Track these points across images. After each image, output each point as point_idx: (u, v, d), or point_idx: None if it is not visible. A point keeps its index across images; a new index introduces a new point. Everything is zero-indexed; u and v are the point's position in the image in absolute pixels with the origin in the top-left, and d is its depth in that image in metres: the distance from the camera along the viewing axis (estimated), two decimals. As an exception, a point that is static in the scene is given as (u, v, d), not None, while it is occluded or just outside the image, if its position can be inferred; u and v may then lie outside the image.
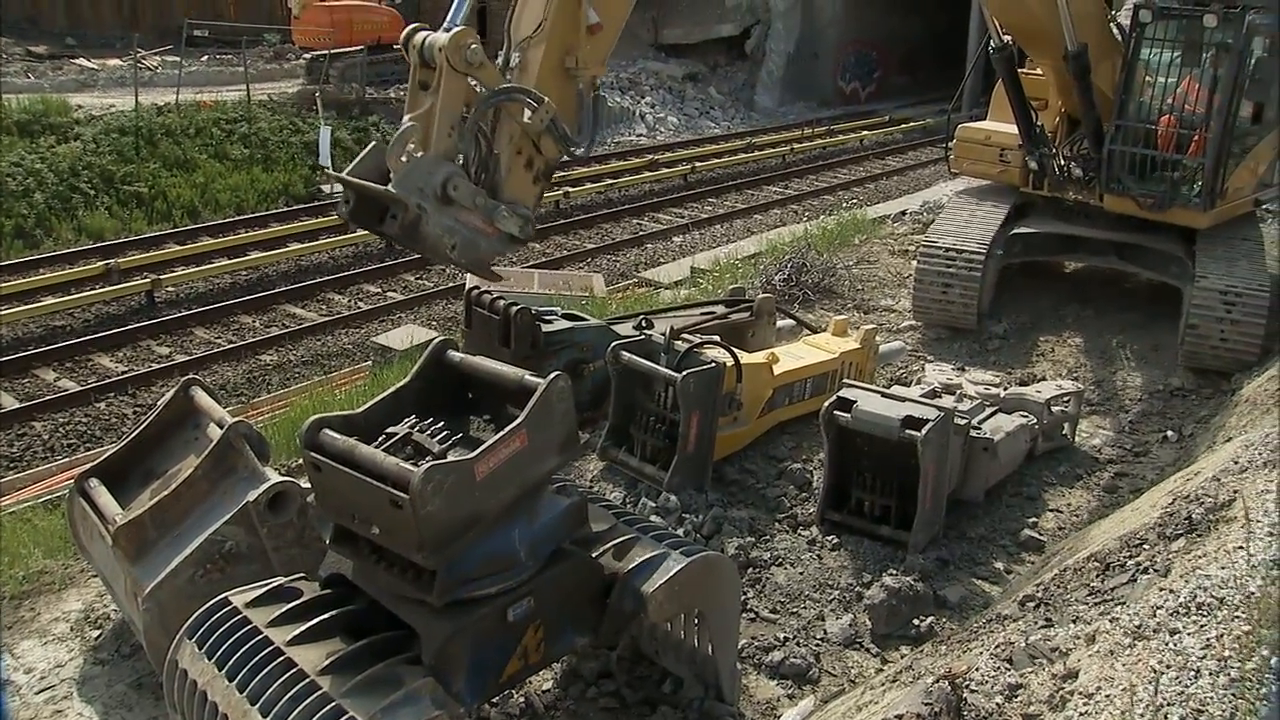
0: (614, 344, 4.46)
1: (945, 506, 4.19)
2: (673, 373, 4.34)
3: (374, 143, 3.73)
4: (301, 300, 10.07)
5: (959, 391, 4.85)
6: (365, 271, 10.98)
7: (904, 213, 11.74)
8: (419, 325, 9.11)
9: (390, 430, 2.70)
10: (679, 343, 4.59)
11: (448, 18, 3.70)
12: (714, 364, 4.37)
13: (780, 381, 4.99)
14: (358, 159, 3.66)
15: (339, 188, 3.74)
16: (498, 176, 3.76)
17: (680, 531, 4.06)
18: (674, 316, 5.68)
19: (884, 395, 4.21)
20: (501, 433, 2.59)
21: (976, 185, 7.50)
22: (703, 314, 5.76)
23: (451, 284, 10.82)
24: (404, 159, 3.41)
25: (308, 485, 2.72)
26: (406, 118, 3.57)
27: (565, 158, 3.85)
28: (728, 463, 4.78)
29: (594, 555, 2.97)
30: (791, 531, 4.34)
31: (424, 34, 3.70)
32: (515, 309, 4.86)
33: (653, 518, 4.12)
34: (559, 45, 3.79)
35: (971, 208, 7.17)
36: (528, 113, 3.64)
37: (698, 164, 16.18)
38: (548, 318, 5.08)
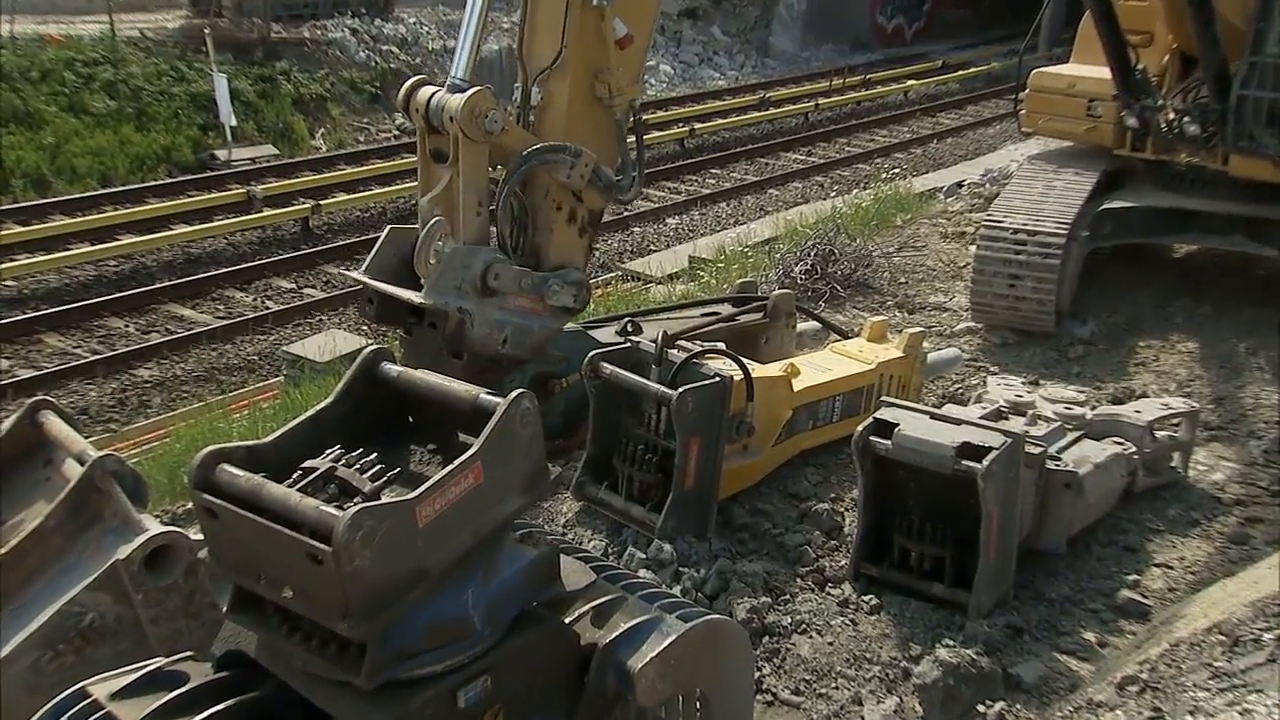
0: (592, 354, 4.47)
1: (1016, 559, 4.20)
2: (666, 389, 4.36)
3: (389, 228, 3.98)
4: (191, 299, 10.05)
5: (1032, 412, 4.87)
6: (275, 262, 10.99)
7: (960, 184, 11.87)
8: (344, 331, 9.16)
9: (308, 464, 2.69)
10: (674, 352, 4.61)
11: (453, 68, 3.87)
12: (718, 378, 4.40)
13: (802, 400, 5.02)
14: (374, 252, 3.91)
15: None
16: (539, 239, 4.08)
17: (677, 590, 4.09)
18: (667, 319, 5.72)
19: (934, 417, 4.24)
20: (451, 466, 2.59)
21: (1056, 147, 7.49)
22: (704, 315, 5.80)
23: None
24: (433, 260, 3.64)
25: (199, 536, 2.72)
26: (423, 200, 3.82)
27: (614, 204, 4.16)
28: (736, 502, 4.79)
29: (568, 621, 2.98)
30: (818, 590, 4.35)
31: (428, 92, 3.92)
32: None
33: (642, 572, 4.16)
34: (585, 71, 4.00)
35: (1049, 176, 7.13)
36: (565, 170, 3.92)
37: (697, 125, 16.32)
38: None
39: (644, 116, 4.35)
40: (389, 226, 3.94)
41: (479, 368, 4.76)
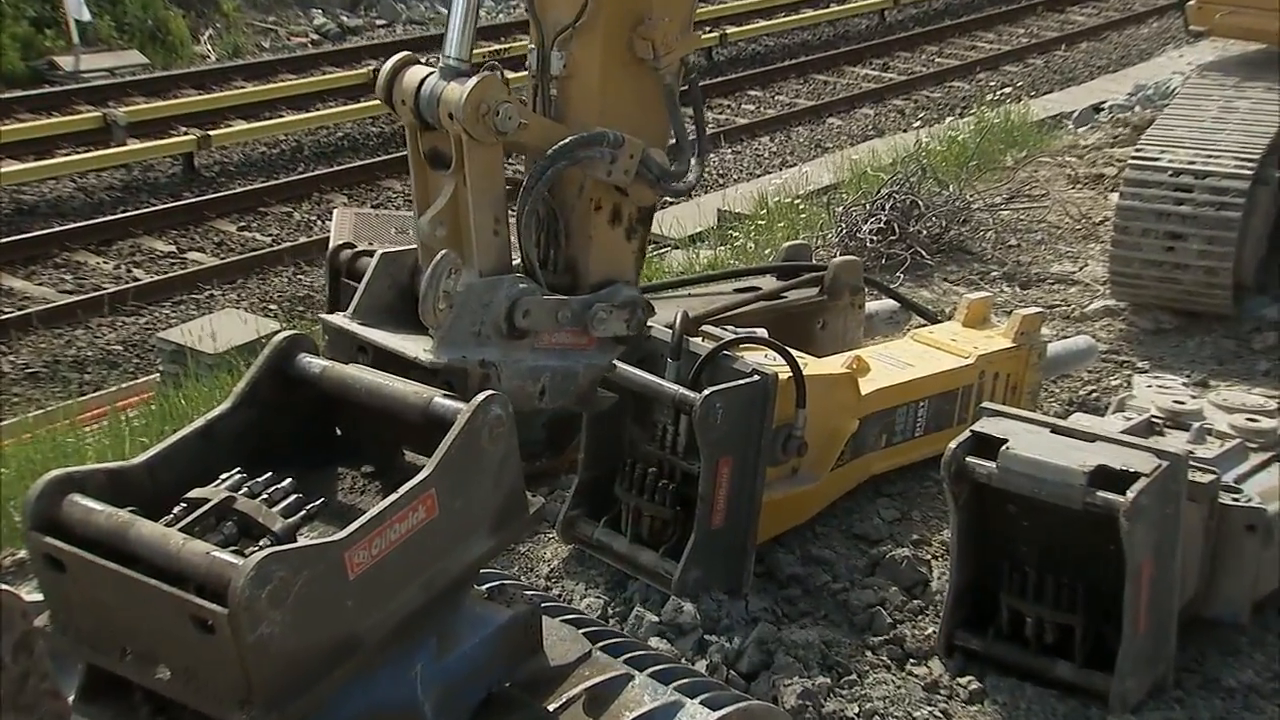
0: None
1: (1177, 630, 4.16)
2: (687, 391, 4.36)
3: (379, 251, 4.06)
4: (24, 265, 10.07)
5: (1198, 425, 4.82)
6: (145, 215, 11.05)
7: (1099, 107, 11.86)
8: (245, 310, 9.19)
9: (196, 494, 2.71)
10: (697, 340, 4.61)
11: (446, 43, 3.93)
12: (757, 376, 4.40)
13: (873, 406, 5.02)
14: (362, 286, 4.01)
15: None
16: (575, 250, 4.16)
17: (701, 666, 4.08)
18: (689, 296, 5.74)
19: (1057, 430, 4.22)
20: (393, 495, 2.61)
21: (1238, 53, 7.45)
22: (738, 291, 5.82)
23: (305, 236, 10.91)
24: (442, 305, 3.70)
25: (36, 596, 2.72)
26: (422, 220, 3.89)
27: (668, 196, 4.25)
28: (782, 546, 4.80)
29: (552, 708, 2.97)
30: (895, 668, 4.35)
31: (418, 76, 3.91)
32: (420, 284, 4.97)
33: (654, 641, 4.14)
34: (620, 24, 4.03)
35: (1227, 94, 7.05)
36: (604, 167, 3.98)
37: (730, 29, 16.37)
38: None
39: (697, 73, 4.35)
40: (379, 252, 4.04)
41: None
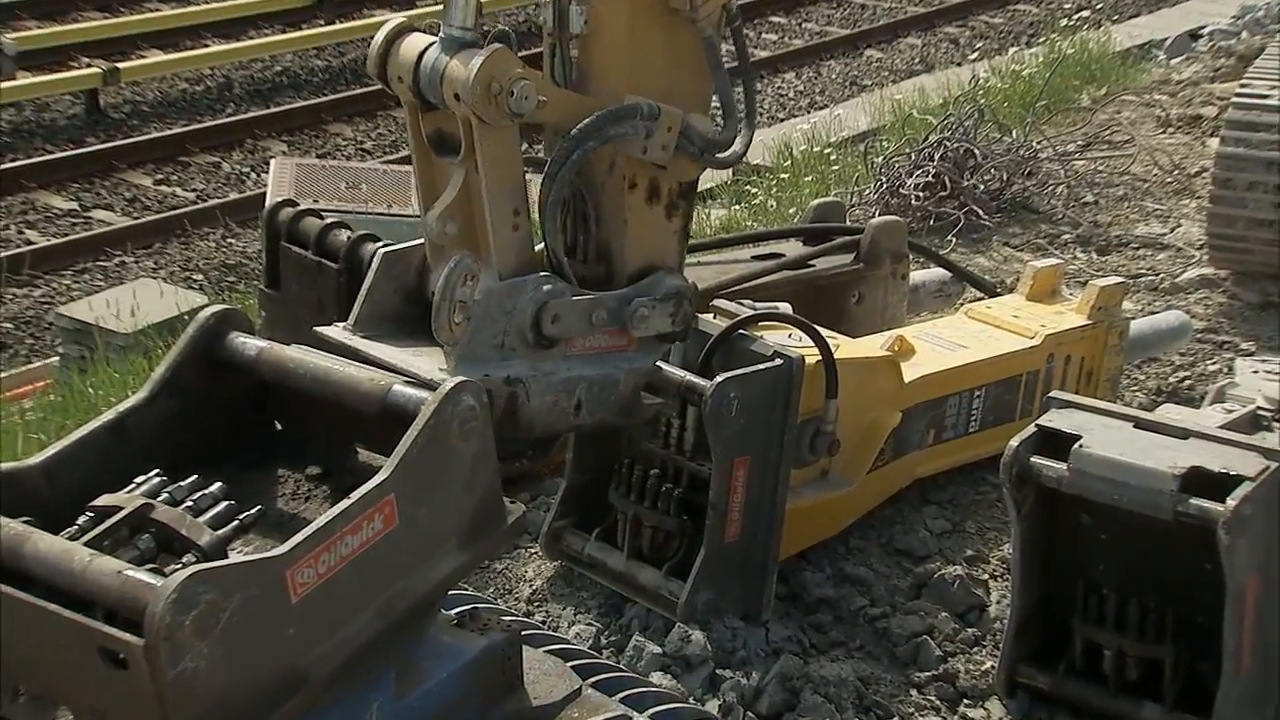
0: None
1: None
2: (696, 378, 4.36)
3: (380, 254, 4.13)
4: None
5: (1313, 420, 4.86)
6: (40, 164, 11.06)
7: (1196, 34, 11.87)
8: (164, 280, 9.19)
9: (105, 501, 2.71)
10: (709, 317, 4.63)
11: (447, 8, 3.94)
12: (780, 360, 4.42)
13: (918, 396, 5.04)
14: (364, 293, 4.12)
15: None
16: (608, 234, 4.23)
17: (714, 707, 4.10)
18: (697, 264, 5.71)
19: (1141, 425, 4.21)
20: (345, 502, 2.62)
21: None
22: (756, 259, 5.84)
23: (236, 192, 10.90)
24: (459, 319, 3.77)
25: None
26: (430, 215, 3.94)
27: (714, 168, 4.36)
28: (810, 562, 4.81)
29: (535, 760, 3.00)
30: (946, 710, 4.37)
31: (416, 48, 3.94)
32: (374, 250, 4.96)
33: (656, 677, 4.15)
34: None
35: None
36: (639, 144, 4.04)
37: (749, -64, 16.29)
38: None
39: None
40: (379, 251, 4.11)
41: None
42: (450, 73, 3.84)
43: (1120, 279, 6.03)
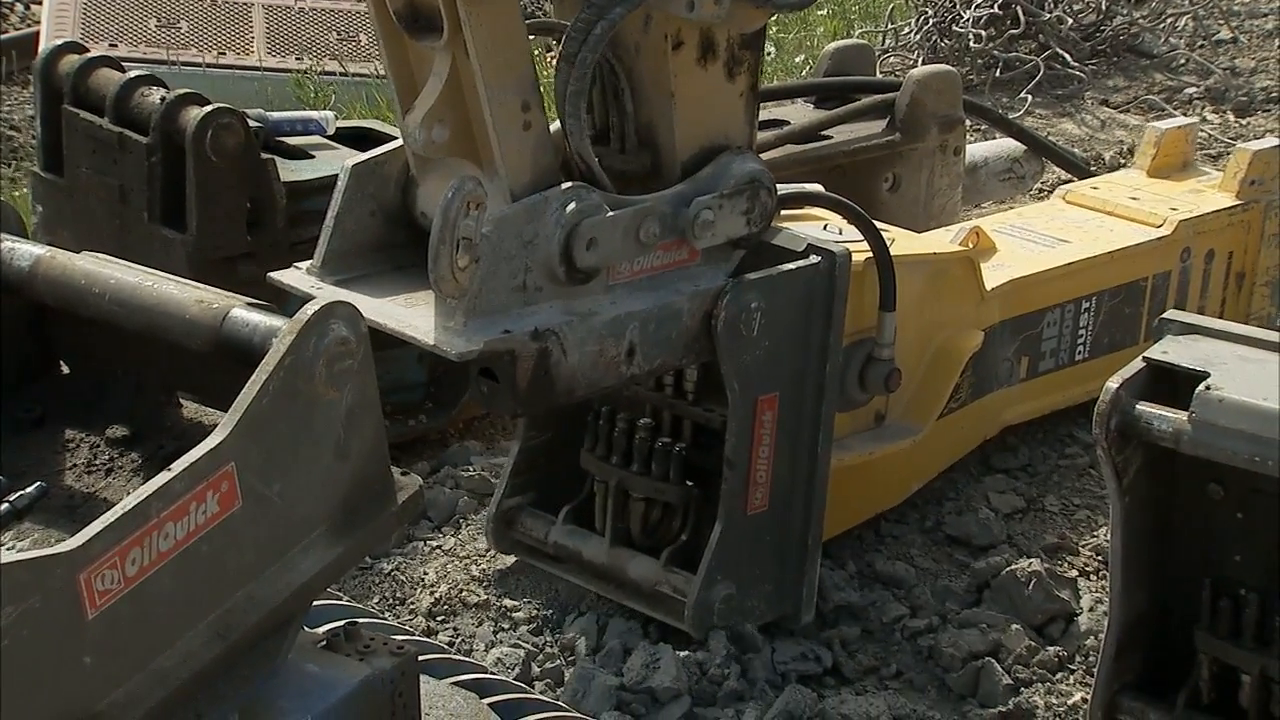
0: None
1: None
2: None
3: (348, 167, 4.33)
4: None
5: None
6: None
7: None
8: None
9: None
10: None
11: None
12: (816, 255, 4.47)
13: (1006, 309, 5.15)
14: (331, 218, 4.33)
15: None
16: (651, 112, 4.41)
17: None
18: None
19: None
20: (163, 475, 2.63)
21: None
22: (769, 124, 5.89)
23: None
24: (463, 262, 3.92)
25: None
26: (408, 120, 4.16)
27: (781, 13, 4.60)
28: (826, 554, 4.84)
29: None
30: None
31: None
32: (206, 114, 5.09)
33: (609, 718, 4.23)
34: None
35: None
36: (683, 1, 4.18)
37: None
38: (299, 140, 5.56)
39: None
40: (348, 166, 4.29)
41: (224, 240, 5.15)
42: None
43: (1278, 142, 6.03)
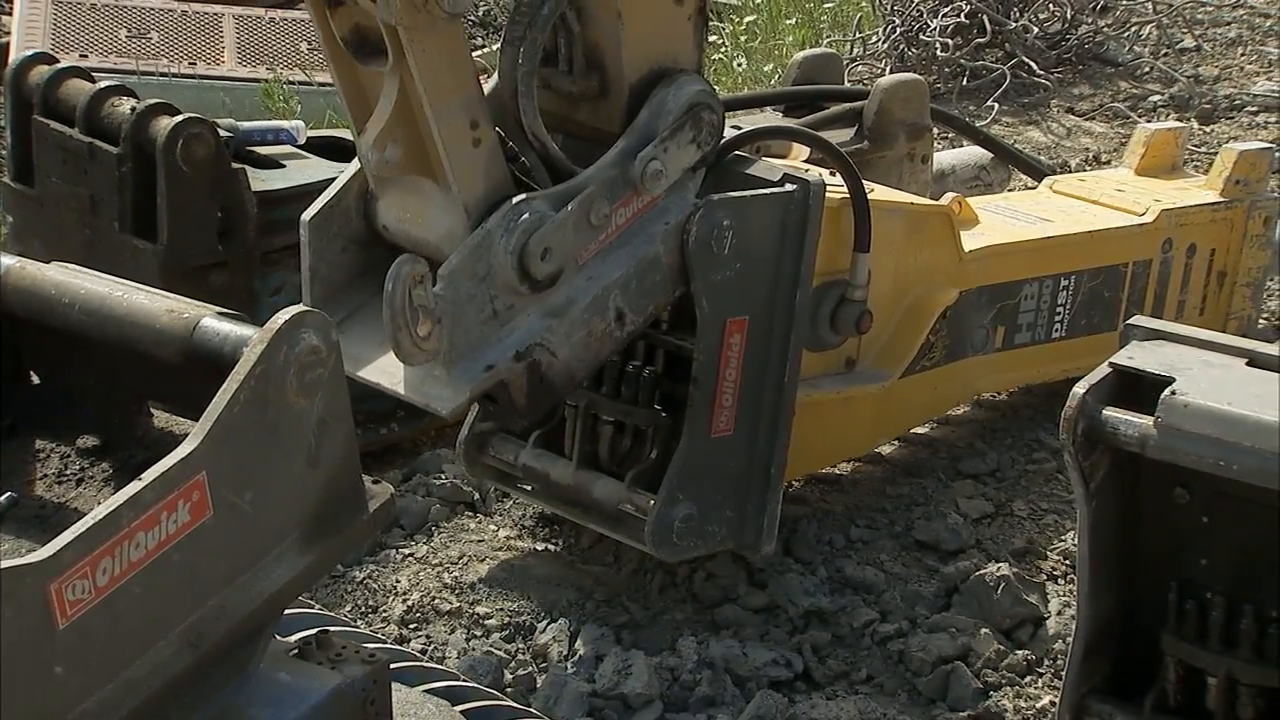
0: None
1: None
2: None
3: (305, 220, 4.36)
4: None
5: None
6: None
7: None
8: None
9: None
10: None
11: None
12: (791, 183, 4.51)
13: (984, 273, 5.17)
14: (305, 269, 4.37)
15: None
16: (597, 33, 4.39)
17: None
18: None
19: (1257, 361, 4.19)
20: (133, 485, 2.62)
21: None
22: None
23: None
24: (423, 330, 3.95)
25: None
26: (361, 140, 4.18)
27: None
28: (795, 559, 4.93)
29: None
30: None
31: None
32: (177, 124, 5.10)
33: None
34: None
35: None
36: None
37: None
38: (269, 149, 5.55)
39: None
40: (304, 221, 4.34)
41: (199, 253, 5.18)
42: None
43: (1266, 144, 6.06)
